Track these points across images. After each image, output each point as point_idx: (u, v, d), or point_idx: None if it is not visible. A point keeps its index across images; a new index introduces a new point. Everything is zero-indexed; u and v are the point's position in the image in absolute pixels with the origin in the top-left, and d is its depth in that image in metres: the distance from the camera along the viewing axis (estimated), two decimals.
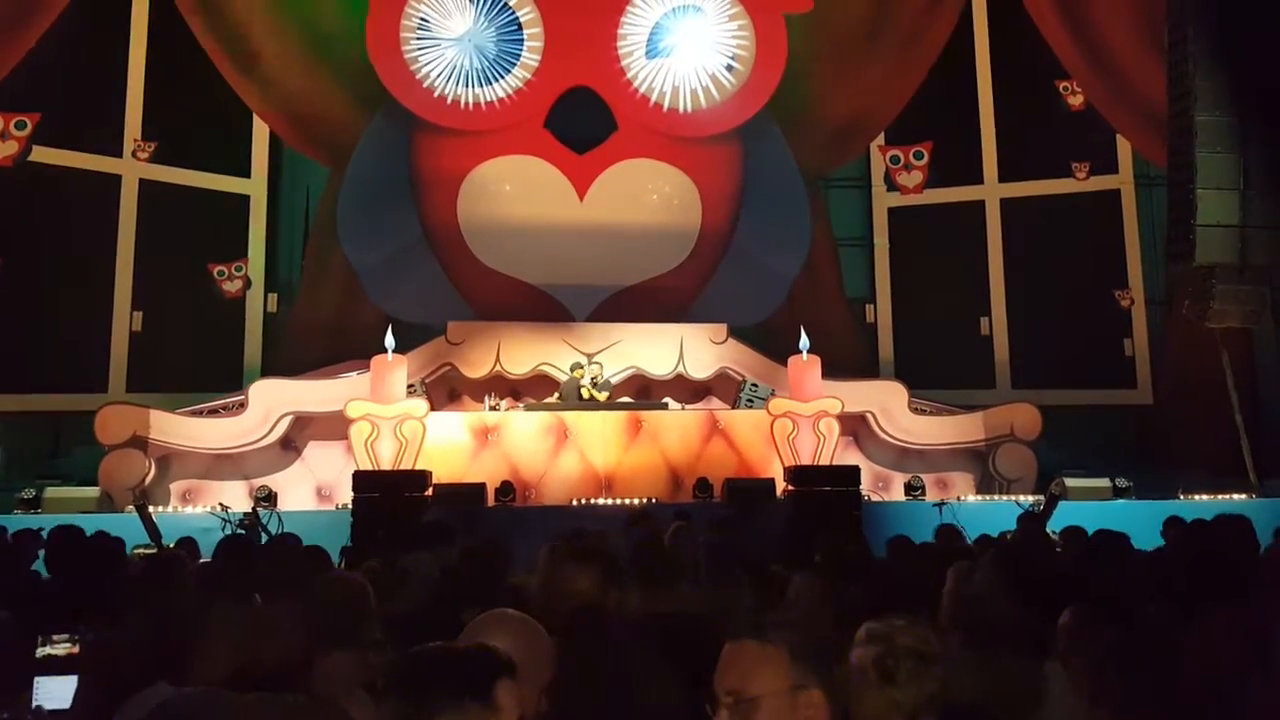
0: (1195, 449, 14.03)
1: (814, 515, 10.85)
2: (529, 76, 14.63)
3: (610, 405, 13.30)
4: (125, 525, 9.93)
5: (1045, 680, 2.98)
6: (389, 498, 10.88)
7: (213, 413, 13.49)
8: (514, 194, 14.66)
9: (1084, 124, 16.02)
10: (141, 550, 9.44)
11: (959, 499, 12.73)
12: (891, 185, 16.54)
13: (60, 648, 2.89)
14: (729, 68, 15.13)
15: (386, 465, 12.21)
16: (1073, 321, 15.97)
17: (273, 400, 13.41)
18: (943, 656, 2.37)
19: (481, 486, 11.90)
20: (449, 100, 14.53)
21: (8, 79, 13.09)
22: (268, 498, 12.24)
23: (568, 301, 14.63)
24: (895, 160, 16.27)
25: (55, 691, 2.82)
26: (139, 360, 14.33)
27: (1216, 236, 12.20)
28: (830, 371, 13.58)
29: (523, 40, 14.71)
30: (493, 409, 13.35)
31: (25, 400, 13.47)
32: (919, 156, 16.11)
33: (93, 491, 12.06)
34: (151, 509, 10.58)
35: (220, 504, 11.25)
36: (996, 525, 9.01)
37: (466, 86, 14.56)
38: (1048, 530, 8.92)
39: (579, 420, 12.99)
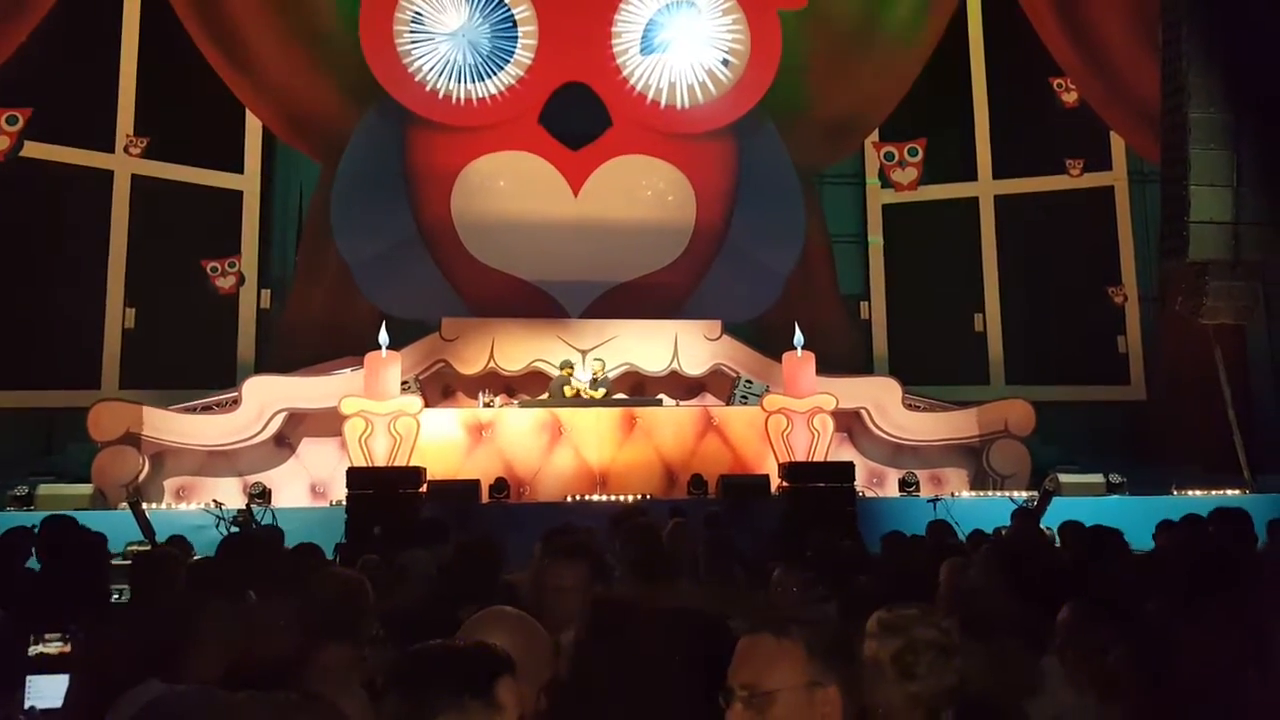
0: (1189, 445, 14.07)
1: (808, 511, 10.87)
2: (523, 72, 14.60)
3: (604, 402, 13.29)
4: (119, 522, 9.93)
5: (1043, 675, 2.98)
6: (383, 494, 10.86)
7: (206, 409, 13.47)
8: (508, 190, 14.64)
9: (1078, 121, 16.04)
10: (135, 547, 9.45)
11: (953, 495, 12.73)
12: (886, 182, 16.56)
13: (52, 646, 2.88)
14: (725, 62, 15.11)
15: (381, 462, 12.19)
16: (1066, 318, 16.02)
17: (266, 397, 13.38)
18: (959, 648, 2.35)
19: (476, 483, 11.88)
20: (441, 95, 14.50)
21: None
22: (262, 494, 12.21)
23: (562, 298, 14.60)
24: (890, 157, 16.28)
25: (47, 691, 2.81)
26: (132, 357, 14.30)
27: (1210, 233, 12.21)
28: (824, 368, 13.60)
29: (517, 36, 14.68)
30: (487, 405, 13.33)
31: (18, 397, 13.42)
32: (913, 153, 16.12)
33: (86, 488, 12.01)
34: (145, 506, 10.54)
35: (214, 501, 11.23)
36: (991, 521, 9.04)
37: (459, 82, 14.53)
38: (1042, 526, 8.94)
39: (573, 417, 12.98)
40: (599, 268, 14.64)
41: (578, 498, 12.13)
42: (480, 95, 14.55)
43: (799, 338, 13.25)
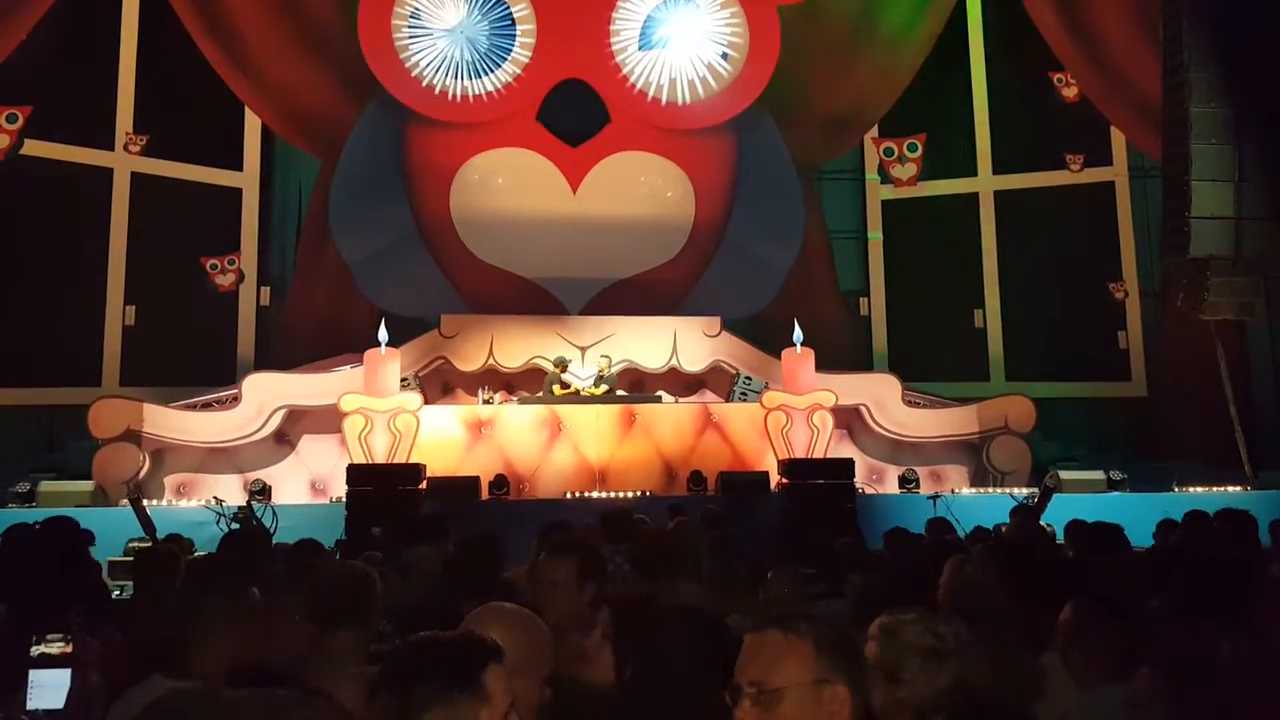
0: (1190, 441, 14.07)
1: (808, 508, 10.87)
2: (521, 69, 14.59)
3: (604, 398, 13.29)
4: (119, 519, 9.94)
5: (1044, 673, 2.97)
6: (383, 491, 10.87)
7: (206, 406, 13.46)
8: (507, 187, 14.63)
9: (1078, 116, 16.03)
10: (136, 544, 9.45)
11: (953, 492, 12.74)
12: (885, 177, 16.54)
13: (54, 646, 2.87)
14: (724, 55, 15.09)
15: (380, 459, 12.18)
16: (1067, 314, 16.01)
17: (266, 394, 13.39)
18: (956, 651, 2.33)
19: (475, 480, 11.88)
20: (438, 92, 14.49)
21: None
22: (262, 491, 12.22)
23: (561, 294, 14.60)
24: (889, 152, 16.26)
25: (49, 691, 2.80)
26: (132, 354, 14.29)
27: (1211, 228, 12.19)
28: (824, 364, 13.58)
29: (515, 33, 14.66)
30: (486, 402, 13.33)
31: (19, 394, 13.42)
32: (913, 149, 16.11)
33: (87, 485, 12.02)
34: (146, 503, 10.54)
35: (215, 498, 11.25)
36: (991, 518, 9.02)
37: (457, 78, 14.51)
38: (1042, 523, 8.94)
39: (573, 414, 12.98)
40: (598, 264, 14.63)
41: (577, 494, 12.13)
42: (479, 92, 14.53)
43: (798, 334, 13.25)
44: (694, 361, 14.55)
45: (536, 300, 14.53)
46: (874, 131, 16.53)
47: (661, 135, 14.91)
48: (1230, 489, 12.48)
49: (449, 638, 1.98)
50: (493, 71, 14.56)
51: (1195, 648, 2.24)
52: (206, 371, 14.33)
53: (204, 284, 14.81)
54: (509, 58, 14.60)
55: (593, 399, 13.24)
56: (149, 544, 8.86)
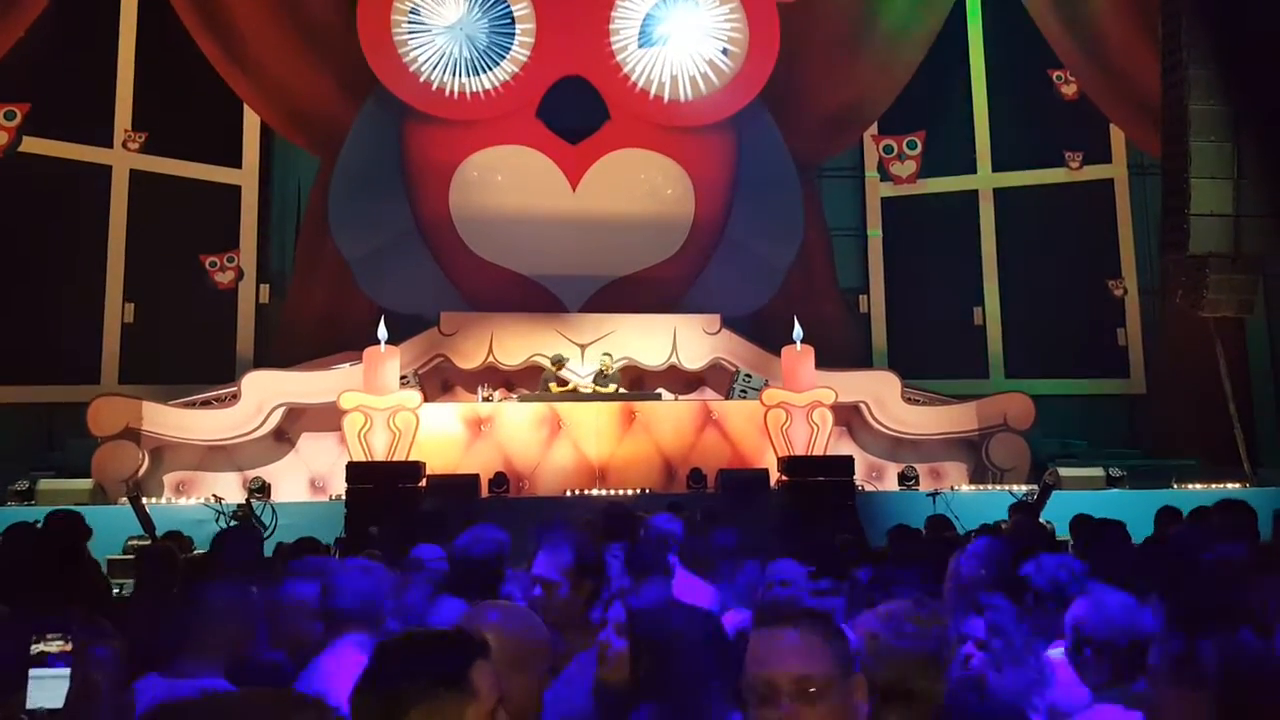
0: (1188, 438, 14.08)
1: (808, 505, 10.88)
2: (521, 66, 14.58)
3: (603, 396, 13.29)
4: (119, 517, 9.94)
5: (1047, 669, 2.97)
6: (382, 489, 10.87)
7: (205, 404, 13.46)
8: (506, 184, 14.62)
9: (1077, 113, 16.02)
10: (136, 542, 9.46)
11: (952, 489, 12.74)
12: (885, 175, 16.53)
13: (54, 645, 2.87)
14: (724, 51, 15.09)
15: (380, 456, 12.19)
16: (1066, 311, 16.00)
17: (265, 392, 13.38)
18: (952, 647, 2.31)
19: (475, 478, 11.89)
20: (435, 88, 14.48)
21: None
22: (261, 489, 12.21)
23: (560, 292, 14.60)
24: (889, 150, 16.26)
25: (49, 690, 2.80)
26: (131, 352, 14.29)
27: (1210, 226, 12.19)
28: (823, 362, 13.59)
29: (514, 30, 14.65)
30: (486, 400, 13.34)
31: (18, 392, 13.42)
32: (912, 146, 16.11)
33: (86, 483, 12.02)
34: (145, 501, 10.54)
35: (214, 496, 11.25)
36: (991, 515, 9.03)
37: (455, 75, 14.51)
38: (1041, 520, 8.93)
39: (572, 411, 12.99)
40: (597, 262, 14.63)
41: (577, 492, 12.13)
42: (473, 90, 14.52)
43: (798, 331, 13.26)
44: (694, 359, 14.55)
45: (536, 298, 14.53)
46: (873, 129, 16.54)
47: (661, 132, 14.91)
48: (1229, 485, 12.48)
49: (435, 634, 1.97)
50: (492, 68, 14.56)
51: (1196, 648, 2.24)
52: (206, 369, 14.32)
53: (203, 281, 14.80)
54: (508, 55, 14.60)
55: (595, 396, 13.24)
56: (148, 542, 8.87)
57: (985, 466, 13.97)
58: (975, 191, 16.79)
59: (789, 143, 15.46)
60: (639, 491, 11.92)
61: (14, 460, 12.53)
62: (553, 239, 14.41)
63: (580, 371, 13.88)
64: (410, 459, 12.01)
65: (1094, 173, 16.49)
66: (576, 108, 14.53)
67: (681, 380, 14.78)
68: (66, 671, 2.74)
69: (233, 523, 9.60)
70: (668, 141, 14.95)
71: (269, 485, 12.51)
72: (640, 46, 14.92)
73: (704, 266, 15.13)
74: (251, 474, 13.00)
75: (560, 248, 14.43)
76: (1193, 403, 14.16)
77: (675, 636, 2.52)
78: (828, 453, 12.85)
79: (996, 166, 16.75)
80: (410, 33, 14.54)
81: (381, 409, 12.43)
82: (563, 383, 13.48)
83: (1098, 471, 12.84)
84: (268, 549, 6.85)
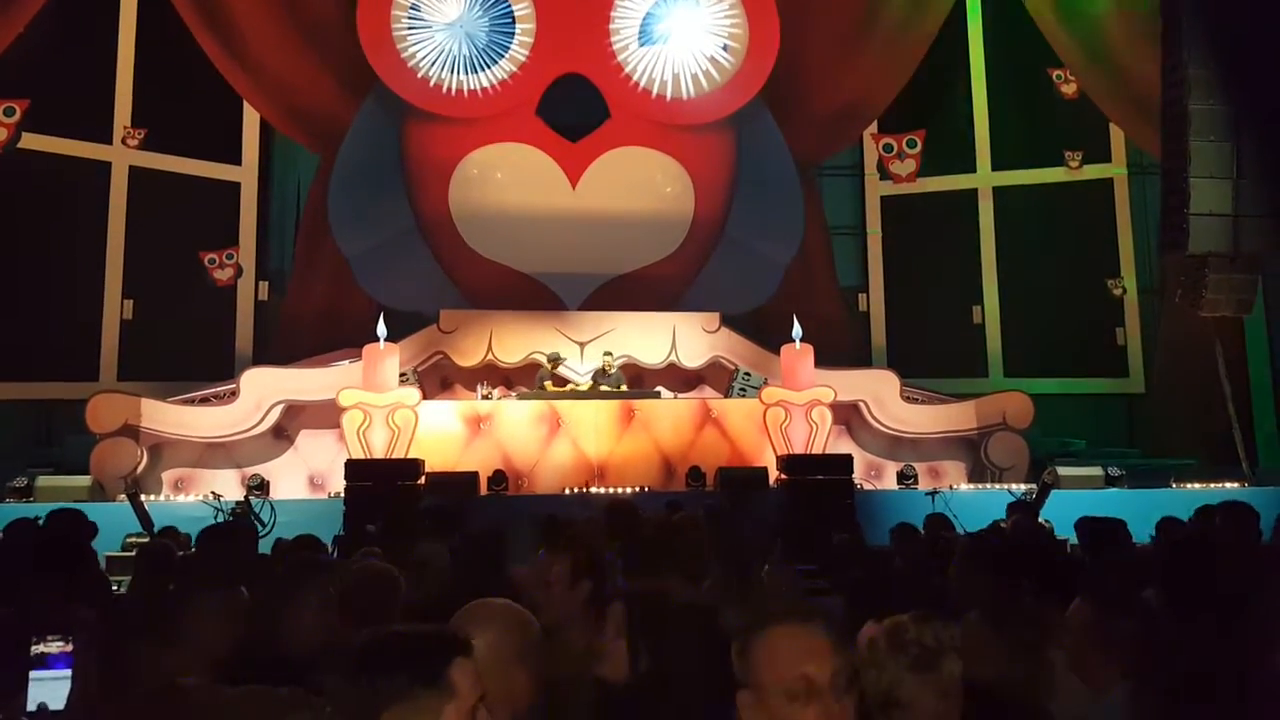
0: (1187, 437, 14.08)
1: (807, 504, 10.87)
2: (520, 64, 14.57)
3: (603, 394, 13.28)
4: (117, 514, 9.93)
5: (1052, 669, 2.97)
6: (381, 486, 10.86)
7: (204, 401, 13.45)
8: (506, 181, 14.62)
9: (1077, 113, 16.02)
10: (134, 540, 9.45)
11: (951, 488, 12.73)
12: (884, 173, 16.51)
13: (54, 646, 2.86)
14: (725, 48, 15.08)
15: (379, 454, 12.20)
16: (1065, 310, 16.00)
17: (264, 389, 13.37)
18: (949, 651, 2.29)
19: (474, 475, 11.88)
20: (432, 84, 14.47)
21: None
22: (260, 486, 12.19)
23: (560, 290, 14.60)
24: (888, 148, 16.24)
25: (49, 691, 2.80)
26: (130, 348, 14.27)
27: (1210, 225, 12.19)
28: (823, 360, 13.59)
29: (514, 29, 14.64)
30: (485, 398, 13.33)
31: (16, 388, 13.42)
32: (912, 144, 16.08)
33: (84, 480, 12.00)
34: (143, 498, 10.53)
35: (213, 493, 11.23)
36: (989, 514, 9.00)
37: (455, 73, 14.50)
38: (1040, 519, 8.94)
39: (571, 409, 12.98)
40: (597, 260, 14.64)
41: (576, 490, 12.12)
42: (471, 87, 14.51)
43: (797, 330, 13.27)
44: (693, 357, 14.54)
45: (535, 295, 14.53)
46: (873, 127, 16.51)
47: (661, 130, 14.91)
48: (1228, 485, 12.48)
49: (415, 632, 1.96)
50: (491, 66, 14.55)
51: (1196, 647, 2.24)
52: (205, 366, 14.32)
53: (202, 278, 14.77)
54: (508, 53, 14.59)
55: (591, 394, 13.24)
56: (146, 539, 8.87)
57: (984, 465, 13.96)
58: (975, 190, 16.78)
59: (789, 141, 15.45)
60: (638, 489, 11.91)
61: (12, 457, 12.53)
62: (552, 237, 14.41)
63: (579, 370, 13.88)
64: (409, 456, 12.00)
65: (1093, 172, 16.48)
66: (576, 105, 14.53)
67: (681, 378, 14.77)
68: (67, 672, 2.74)
69: (230, 519, 9.58)
70: (668, 139, 14.94)
71: (268, 482, 12.48)
72: (640, 45, 14.92)
73: (704, 265, 15.13)
74: (250, 471, 12.98)
75: (560, 245, 14.43)
76: (1192, 402, 14.18)
77: (675, 635, 2.52)
78: (827, 451, 12.85)
79: (996, 165, 16.74)
80: (410, 30, 14.54)
81: (380, 406, 12.43)
82: (559, 381, 13.48)
83: (1096, 471, 12.83)
84: (266, 546, 6.84)
